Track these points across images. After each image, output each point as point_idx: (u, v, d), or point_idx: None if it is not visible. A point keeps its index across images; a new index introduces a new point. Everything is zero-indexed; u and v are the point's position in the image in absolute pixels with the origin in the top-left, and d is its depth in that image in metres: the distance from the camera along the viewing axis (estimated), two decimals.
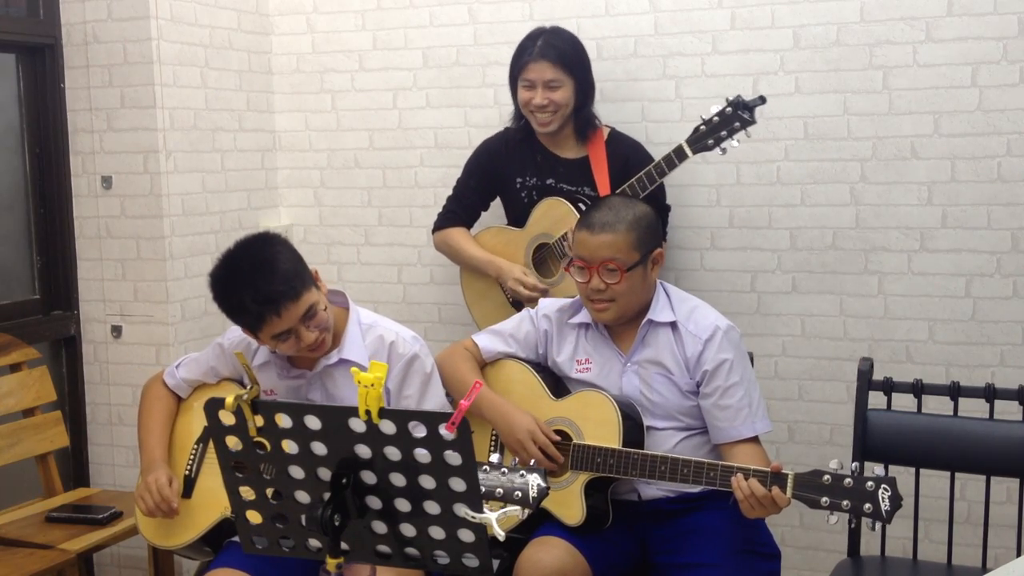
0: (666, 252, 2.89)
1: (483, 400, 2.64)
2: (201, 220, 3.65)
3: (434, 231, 3.45)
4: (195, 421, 2.70)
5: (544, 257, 3.25)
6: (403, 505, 1.80)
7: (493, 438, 2.69)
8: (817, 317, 3.41)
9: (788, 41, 3.34)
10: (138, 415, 2.75)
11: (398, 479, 1.78)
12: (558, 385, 2.72)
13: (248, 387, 2.60)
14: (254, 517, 1.93)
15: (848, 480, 2.18)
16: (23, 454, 3.27)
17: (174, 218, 3.54)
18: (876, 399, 2.73)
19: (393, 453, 1.76)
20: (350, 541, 1.86)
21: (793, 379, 3.45)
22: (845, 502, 2.18)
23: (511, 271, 3.22)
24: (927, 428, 2.67)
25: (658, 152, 3.11)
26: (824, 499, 2.20)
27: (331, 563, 1.80)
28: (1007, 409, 2.70)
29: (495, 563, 1.85)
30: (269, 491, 1.90)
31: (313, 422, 1.79)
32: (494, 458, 2.26)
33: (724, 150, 2.96)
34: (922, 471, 2.79)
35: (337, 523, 1.78)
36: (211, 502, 2.60)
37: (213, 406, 1.86)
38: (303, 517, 1.84)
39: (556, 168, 3.27)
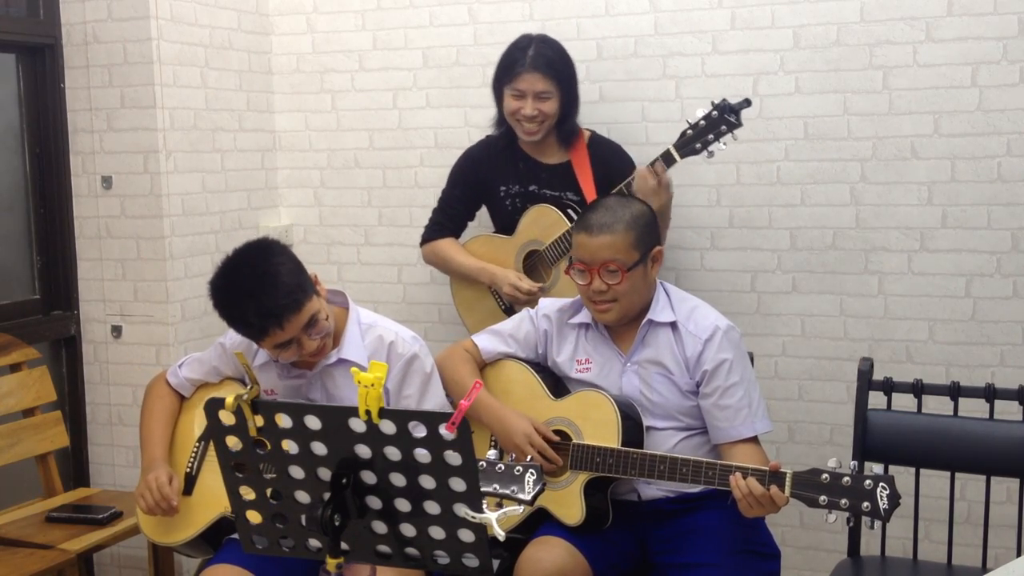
0: (666, 252, 2.89)
1: (479, 404, 2.64)
2: (201, 220, 3.65)
3: (422, 244, 3.46)
4: (197, 419, 2.70)
5: (535, 264, 3.26)
6: (403, 505, 1.80)
7: (493, 440, 2.69)
8: (817, 317, 3.41)
9: (788, 41, 3.34)
10: (140, 414, 2.75)
11: (398, 479, 1.78)
12: (558, 385, 2.72)
13: (248, 387, 2.61)
14: (254, 517, 1.93)
15: (846, 479, 2.18)
16: (23, 454, 3.27)
17: (174, 218, 3.54)
18: (876, 399, 2.73)
19: (393, 453, 1.76)
20: (350, 541, 1.86)
21: (793, 379, 3.45)
22: (843, 500, 2.17)
23: (506, 276, 3.22)
24: (927, 428, 2.67)
25: (652, 153, 3.10)
26: (822, 498, 2.20)
27: (331, 563, 1.80)
28: (1007, 409, 2.70)
29: (495, 563, 1.85)
30: (269, 491, 1.90)
31: (313, 422, 1.79)
32: (491, 454, 2.26)
33: (711, 153, 2.95)
34: (922, 471, 2.79)
35: (337, 523, 1.78)
36: (212, 500, 2.60)
37: (213, 406, 1.87)
38: (303, 517, 1.84)
39: (539, 174, 3.27)
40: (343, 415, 1.76)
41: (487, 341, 2.78)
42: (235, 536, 2.49)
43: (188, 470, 2.66)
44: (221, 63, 3.73)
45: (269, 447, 1.84)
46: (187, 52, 3.58)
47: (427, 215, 3.50)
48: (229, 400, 1.83)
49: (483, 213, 3.45)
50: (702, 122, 2.93)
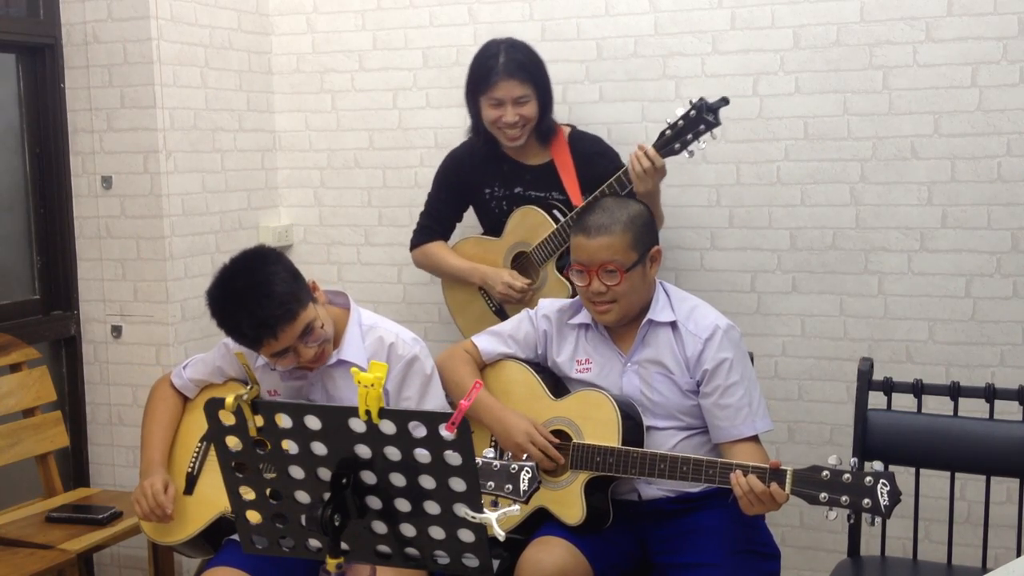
0: (666, 252, 2.89)
1: (479, 404, 2.64)
2: (201, 220, 3.65)
3: (412, 248, 3.45)
4: (200, 419, 2.69)
5: (523, 265, 3.26)
6: (403, 505, 1.80)
7: (493, 440, 2.69)
8: (817, 317, 3.41)
9: (788, 41, 3.34)
10: (143, 416, 2.76)
11: (398, 479, 1.78)
12: (558, 385, 2.72)
13: (248, 387, 2.62)
14: (254, 517, 1.93)
15: (846, 476, 2.18)
16: (23, 454, 3.27)
17: (174, 218, 3.54)
18: (876, 399, 2.73)
19: (393, 453, 1.76)
20: (350, 541, 1.86)
21: (793, 379, 3.45)
22: (844, 497, 2.17)
23: (498, 275, 3.22)
24: (927, 428, 2.67)
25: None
26: (823, 495, 2.20)
27: (331, 563, 1.80)
28: (1007, 409, 2.70)
29: (495, 563, 1.85)
30: (269, 491, 1.90)
31: (313, 422, 1.79)
32: (488, 452, 2.26)
33: (691, 153, 2.91)
34: (922, 471, 2.79)
35: (337, 523, 1.78)
36: (212, 499, 2.60)
37: (213, 406, 1.87)
38: (303, 517, 1.84)
39: (523, 176, 3.27)
40: (343, 415, 1.76)
41: (487, 342, 2.78)
42: (235, 537, 2.49)
43: (190, 470, 2.67)
44: (221, 63, 3.73)
45: (269, 447, 1.85)
46: (187, 52, 3.58)
47: None
48: (229, 400, 1.83)
49: (471, 215, 3.45)
50: (680, 122, 2.90)
